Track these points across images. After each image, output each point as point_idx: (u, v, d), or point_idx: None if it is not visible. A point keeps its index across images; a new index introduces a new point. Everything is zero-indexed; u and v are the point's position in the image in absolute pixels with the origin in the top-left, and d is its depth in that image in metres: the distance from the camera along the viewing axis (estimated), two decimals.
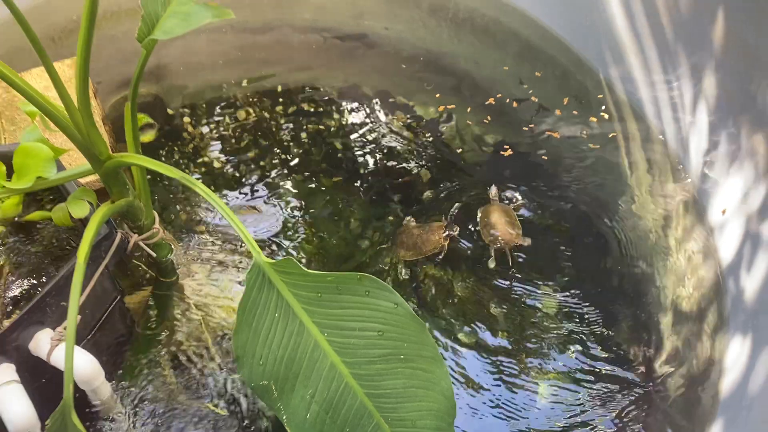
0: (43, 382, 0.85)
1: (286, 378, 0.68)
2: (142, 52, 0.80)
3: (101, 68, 1.49)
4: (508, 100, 1.50)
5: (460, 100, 1.51)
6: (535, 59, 1.60)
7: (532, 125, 1.46)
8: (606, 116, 1.45)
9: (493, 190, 1.31)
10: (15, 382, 0.80)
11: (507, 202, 1.33)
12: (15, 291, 0.88)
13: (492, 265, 1.22)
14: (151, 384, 1.02)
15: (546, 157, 1.40)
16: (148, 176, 1.01)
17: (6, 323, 0.82)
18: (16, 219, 0.93)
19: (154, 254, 1.01)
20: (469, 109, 1.49)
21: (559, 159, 1.40)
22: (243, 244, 1.17)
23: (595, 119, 1.45)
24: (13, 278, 0.88)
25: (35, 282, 0.88)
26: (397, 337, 0.68)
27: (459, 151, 1.41)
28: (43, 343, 0.82)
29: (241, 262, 1.15)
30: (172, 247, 1.09)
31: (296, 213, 1.28)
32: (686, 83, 1.31)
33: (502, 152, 1.41)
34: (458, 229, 1.22)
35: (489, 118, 1.47)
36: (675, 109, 1.34)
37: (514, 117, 1.48)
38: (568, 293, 1.20)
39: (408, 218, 1.27)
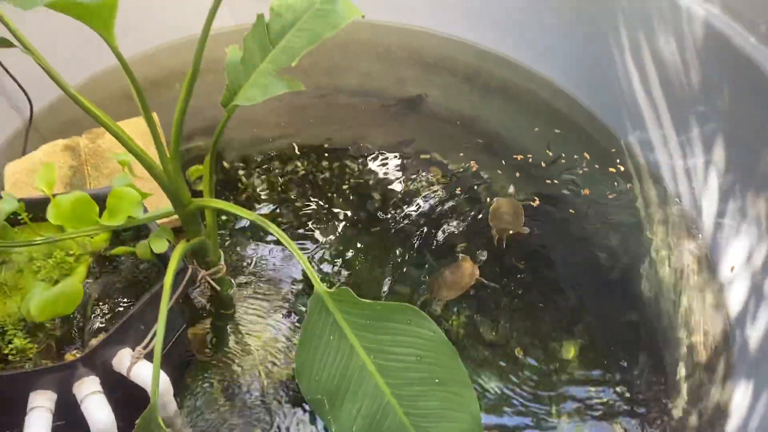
0: (120, 395, 0.97)
1: (336, 394, 0.80)
2: (225, 114, 0.95)
3: (168, 122, 1.67)
4: (537, 160, 1.63)
5: (492, 158, 1.64)
6: (562, 124, 1.73)
7: (558, 182, 1.58)
8: (627, 178, 1.57)
9: (512, 189, 1.52)
10: (99, 393, 0.93)
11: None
12: (99, 315, 1.01)
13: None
14: (206, 407, 1.13)
15: (572, 211, 1.51)
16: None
17: (94, 342, 0.95)
18: (102, 252, 1.07)
19: (218, 288, 1.14)
20: (499, 168, 1.61)
21: (583, 214, 1.51)
22: (293, 284, 1.30)
23: (616, 181, 1.57)
24: (99, 303, 1.02)
25: (116, 307, 1.01)
26: (433, 362, 0.79)
27: (489, 203, 1.53)
28: (124, 360, 0.95)
29: (288, 300, 1.27)
30: (233, 282, 1.22)
31: (336, 258, 1.40)
32: (698, 151, 1.43)
33: (531, 202, 1.52)
34: (486, 253, 1.34)
35: (518, 174, 1.59)
36: (689, 174, 1.46)
37: (543, 175, 1.60)
38: (587, 341, 1.28)
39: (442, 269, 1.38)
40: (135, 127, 1.38)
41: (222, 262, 1.13)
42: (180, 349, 1.16)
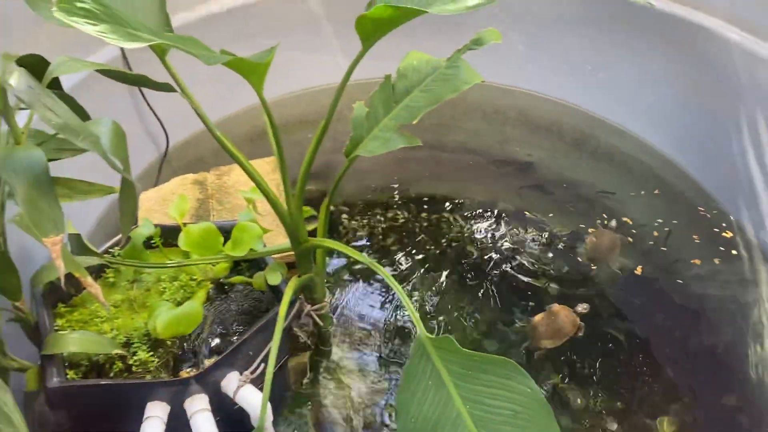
0: (223, 415, 1.04)
1: None
2: (345, 163, 1.03)
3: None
4: (642, 229, 1.61)
5: (594, 224, 1.63)
6: (670, 195, 1.71)
7: (663, 252, 1.55)
8: (736, 255, 1.52)
9: (614, 223, 1.58)
10: (207, 411, 1.00)
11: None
12: (213, 337, 1.09)
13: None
14: None
15: (679, 281, 1.48)
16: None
17: (207, 362, 1.03)
18: (221, 280, 1.16)
19: (321, 323, 1.21)
20: (606, 250, 1.58)
21: (687, 286, 1.47)
22: (389, 327, 1.35)
23: (725, 257, 1.52)
24: (213, 326, 1.11)
25: (228, 331, 1.09)
26: (529, 420, 0.80)
27: (590, 269, 1.52)
28: (232, 383, 1.02)
29: (384, 341, 1.32)
30: (334, 319, 1.28)
31: (430, 308, 1.43)
32: None
33: (634, 270, 1.50)
34: (587, 306, 1.37)
35: (629, 246, 1.57)
36: None
37: (647, 243, 1.57)
38: (684, 422, 1.23)
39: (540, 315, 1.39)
40: (258, 168, 1.49)
41: (327, 299, 1.19)
42: (280, 378, 1.22)
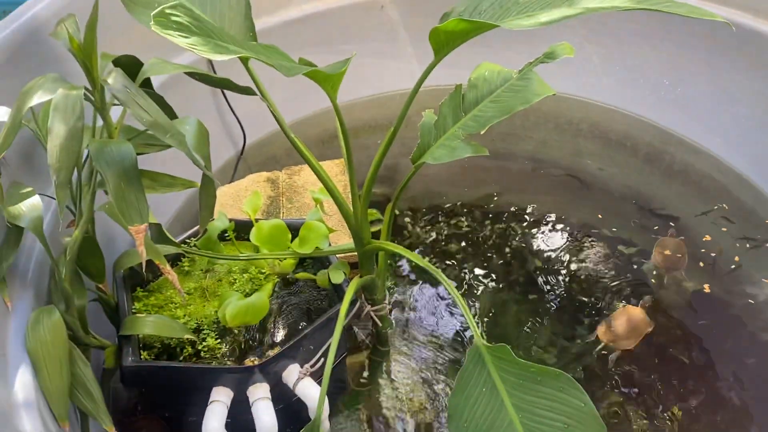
0: (282, 406, 1.09)
1: None
2: (412, 169, 1.06)
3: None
4: (713, 252, 1.56)
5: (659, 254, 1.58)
6: (745, 215, 1.64)
7: (735, 274, 1.50)
8: None
9: (672, 231, 1.57)
10: (267, 399, 1.04)
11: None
12: (277, 329, 1.14)
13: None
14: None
15: (751, 302, 1.43)
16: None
17: (271, 353, 1.07)
18: (287, 275, 1.21)
19: (380, 324, 1.24)
20: (675, 258, 1.54)
21: (759, 312, 1.42)
22: (446, 332, 1.37)
23: None
24: (277, 319, 1.15)
25: (291, 325, 1.14)
26: None
27: (657, 288, 1.49)
28: (292, 374, 1.07)
29: (441, 346, 1.33)
30: (393, 322, 1.31)
31: (488, 317, 1.43)
32: None
33: (703, 290, 1.47)
34: (650, 298, 1.38)
35: (698, 264, 1.54)
36: None
37: (717, 267, 1.53)
38: None
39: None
40: (328, 169, 1.54)
41: (387, 300, 1.22)
42: (338, 374, 1.26)
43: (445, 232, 1.65)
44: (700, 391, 1.29)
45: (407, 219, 1.70)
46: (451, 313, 1.43)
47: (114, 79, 0.78)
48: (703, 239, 1.59)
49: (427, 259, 1.58)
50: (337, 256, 1.20)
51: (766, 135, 1.67)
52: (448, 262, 1.57)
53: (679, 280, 1.49)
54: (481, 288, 1.50)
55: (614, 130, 1.93)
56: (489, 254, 1.59)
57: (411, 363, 1.31)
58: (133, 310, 1.12)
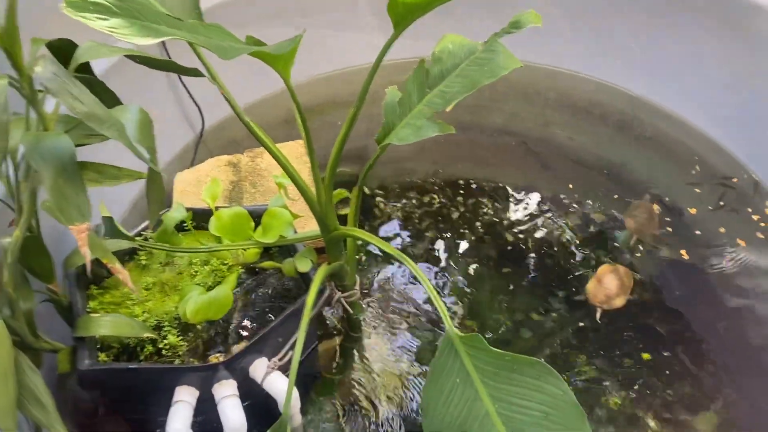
0: (251, 402, 1.04)
1: None
2: (377, 151, 1.01)
3: (318, 149, 1.77)
4: (688, 215, 1.55)
5: (630, 217, 1.57)
6: (718, 181, 1.63)
7: (709, 238, 1.50)
8: None
9: (647, 196, 1.56)
10: (235, 396, 1.00)
11: None
12: (242, 323, 1.09)
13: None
14: (326, 423, 1.18)
15: (723, 271, 1.43)
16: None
17: (236, 348, 1.03)
18: (251, 265, 1.16)
19: (351, 311, 1.19)
20: (645, 221, 1.54)
21: (733, 277, 1.42)
22: (420, 315, 1.33)
23: None
24: (244, 312, 1.10)
25: (257, 317, 1.09)
26: (560, 422, 0.78)
27: (631, 257, 1.47)
28: (260, 369, 1.02)
29: (414, 330, 1.30)
30: (364, 307, 1.27)
31: (462, 296, 1.40)
32: None
33: (680, 256, 1.46)
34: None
35: (667, 230, 1.53)
36: None
37: (691, 232, 1.52)
38: (726, 418, 1.20)
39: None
40: (290, 151, 1.48)
41: (357, 286, 1.18)
42: (310, 364, 1.22)
43: (418, 210, 1.61)
44: (675, 360, 1.28)
45: (378, 198, 1.65)
46: (427, 297, 1.39)
47: (42, 66, 0.71)
48: (677, 205, 1.58)
49: (400, 236, 1.54)
50: (304, 243, 1.15)
51: (737, 97, 1.65)
52: (421, 240, 1.53)
53: (654, 246, 1.47)
54: (455, 265, 1.46)
55: (583, 99, 1.89)
56: (462, 230, 1.55)
57: (385, 348, 1.27)
58: (88, 310, 1.06)
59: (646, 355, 1.29)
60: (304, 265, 1.08)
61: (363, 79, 0.95)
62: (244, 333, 1.07)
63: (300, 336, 0.89)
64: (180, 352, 1.03)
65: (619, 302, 1.35)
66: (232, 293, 1.07)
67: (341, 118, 1.87)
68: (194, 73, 0.90)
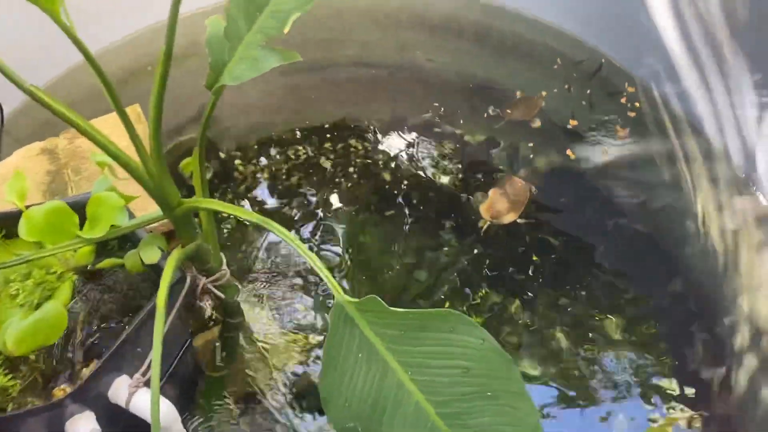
0: (122, 428, 0.86)
1: (371, 420, 0.67)
2: (211, 98, 0.82)
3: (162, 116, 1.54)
4: (561, 122, 1.50)
5: (508, 125, 1.51)
6: (587, 81, 1.58)
7: (585, 143, 1.45)
8: (662, 134, 1.43)
9: (518, 93, 1.51)
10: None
11: None
12: (92, 338, 0.89)
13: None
14: (220, 427, 1.01)
15: (601, 171, 1.39)
16: None
17: (86, 371, 0.83)
18: (88, 267, 0.94)
19: (223, 296, 1.02)
20: (518, 133, 1.48)
21: (614, 181, 1.38)
22: (307, 283, 1.18)
23: (651, 139, 1.44)
24: (90, 326, 0.90)
25: (109, 330, 0.89)
26: (484, 374, 0.67)
27: (514, 171, 1.41)
28: (121, 390, 0.83)
29: (303, 300, 1.15)
30: (239, 287, 1.09)
31: (349, 249, 1.27)
32: (750, 98, 1.28)
33: (555, 179, 1.40)
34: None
35: (539, 141, 1.47)
36: (738, 124, 1.32)
37: (564, 140, 1.47)
38: (630, 317, 1.18)
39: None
40: (116, 122, 1.23)
41: (225, 266, 1.00)
42: (187, 366, 1.04)
43: (284, 166, 1.44)
44: (572, 268, 1.24)
45: (237, 160, 1.46)
46: (312, 272, 1.24)
47: None
48: (550, 108, 1.52)
49: (269, 197, 1.37)
50: (150, 228, 0.95)
51: None
52: (293, 197, 1.37)
53: (534, 156, 1.41)
54: (334, 218, 1.33)
55: (437, 15, 1.76)
56: (336, 179, 1.41)
57: (274, 328, 1.11)
58: None
59: (540, 268, 1.24)
60: (150, 256, 0.88)
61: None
62: (94, 351, 0.87)
63: (156, 340, 0.70)
64: (13, 394, 0.82)
65: (510, 218, 1.29)
66: (68, 307, 0.87)
67: (174, 78, 1.62)
68: None
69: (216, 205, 0.82)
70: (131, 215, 0.91)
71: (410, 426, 0.67)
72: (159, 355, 0.69)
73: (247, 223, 1.30)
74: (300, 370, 1.07)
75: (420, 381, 0.66)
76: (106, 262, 0.93)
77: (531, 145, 1.46)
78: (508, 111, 1.49)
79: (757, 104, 1.25)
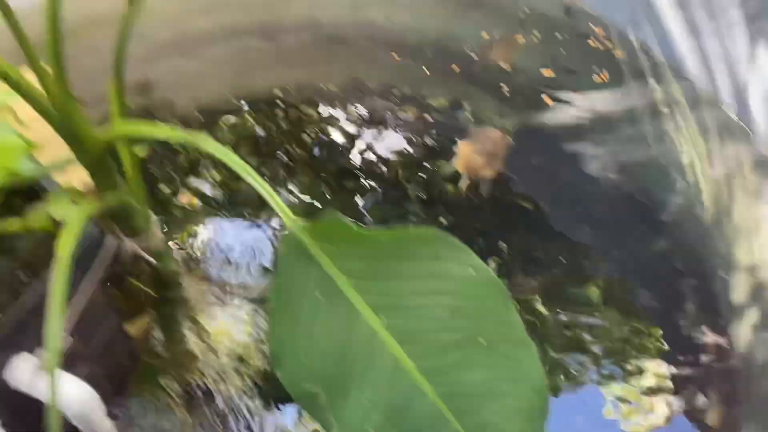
0: (29, 421, 0.70)
1: (335, 379, 0.52)
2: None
3: (83, 82, 1.38)
4: (529, 80, 1.40)
5: (473, 85, 1.41)
6: (561, 33, 1.49)
7: (559, 100, 1.36)
8: (642, 81, 1.35)
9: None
10: None
11: None
12: None
13: None
14: (162, 420, 0.87)
15: (578, 139, 1.31)
16: None
17: None
18: None
19: (155, 261, 0.86)
20: (484, 94, 1.39)
21: (593, 136, 1.30)
22: (264, 245, 1.05)
23: (629, 87, 1.35)
24: None
25: (4, 300, 0.73)
26: (476, 315, 0.53)
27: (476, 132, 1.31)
28: (22, 371, 0.67)
29: (254, 265, 1.02)
30: (175, 251, 0.94)
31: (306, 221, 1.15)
32: (738, 33, 1.21)
33: (528, 136, 1.31)
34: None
35: (509, 97, 1.37)
36: (726, 63, 1.25)
37: (535, 98, 1.38)
38: (612, 279, 1.10)
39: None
40: None
41: (155, 225, 0.84)
42: (118, 350, 0.88)
43: (232, 137, 1.32)
44: (545, 233, 1.17)
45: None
46: (258, 217, 1.11)
47: None
48: (516, 77, 1.41)
49: (219, 171, 1.24)
50: (60, 180, 0.80)
51: None
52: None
53: (504, 113, 1.33)
54: (290, 196, 1.20)
55: None
56: (290, 151, 1.29)
57: (217, 302, 0.97)
58: None
59: (514, 230, 1.16)
60: (61, 210, 0.72)
61: None
62: None
63: (55, 300, 0.55)
64: None
65: (488, 174, 1.20)
66: None
67: (105, 42, 1.48)
68: None
69: (131, 127, 0.66)
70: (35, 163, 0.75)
71: (386, 385, 0.53)
72: (58, 319, 0.53)
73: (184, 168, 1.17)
74: (251, 351, 0.94)
75: (396, 327, 0.52)
76: (11, 223, 0.77)
77: (501, 100, 1.37)
78: (487, 53, 1.40)
79: (748, 37, 1.18)
